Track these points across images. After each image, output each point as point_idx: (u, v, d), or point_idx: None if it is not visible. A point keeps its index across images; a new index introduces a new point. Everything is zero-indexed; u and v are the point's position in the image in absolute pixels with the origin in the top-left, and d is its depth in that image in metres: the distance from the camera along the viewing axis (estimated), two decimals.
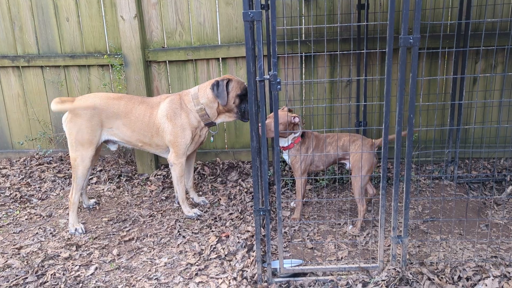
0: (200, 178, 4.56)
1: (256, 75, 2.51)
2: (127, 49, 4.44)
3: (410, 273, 2.68)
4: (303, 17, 4.32)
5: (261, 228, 2.95)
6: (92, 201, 4.13)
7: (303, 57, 4.40)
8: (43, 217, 3.95)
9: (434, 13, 4.11)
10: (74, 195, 3.64)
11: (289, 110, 3.45)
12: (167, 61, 4.59)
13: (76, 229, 3.62)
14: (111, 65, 4.71)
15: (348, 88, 4.42)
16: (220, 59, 4.55)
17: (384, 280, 2.66)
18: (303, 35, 4.34)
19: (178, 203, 3.93)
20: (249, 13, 2.34)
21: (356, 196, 3.34)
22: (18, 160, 5.12)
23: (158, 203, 4.11)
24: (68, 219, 3.73)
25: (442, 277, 2.64)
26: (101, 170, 4.83)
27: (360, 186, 3.30)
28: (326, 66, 4.39)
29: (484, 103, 4.25)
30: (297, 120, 3.35)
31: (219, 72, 4.58)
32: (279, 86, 2.44)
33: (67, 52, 4.87)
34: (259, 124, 2.99)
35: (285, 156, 3.58)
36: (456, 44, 3.85)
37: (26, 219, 3.92)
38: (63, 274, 3.04)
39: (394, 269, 2.71)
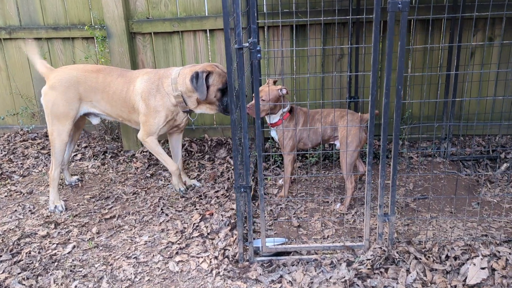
0: (187, 155, 4.43)
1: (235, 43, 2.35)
2: (110, 20, 4.25)
3: (397, 252, 2.58)
4: None
5: (245, 207, 2.84)
6: (75, 178, 4.01)
7: (294, 29, 4.22)
8: (24, 194, 3.84)
9: None
10: (53, 171, 3.52)
11: (274, 82, 3.30)
12: (152, 33, 4.41)
13: (56, 207, 3.51)
14: (94, 37, 4.52)
15: (341, 61, 4.25)
16: (208, 31, 4.36)
17: (369, 260, 2.56)
18: (294, 5, 4.14)
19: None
20: None
21: (344, 173, 3.22)
22: (2, 136, 4.98)
23: (142, 181, 3.99)
24: (48, 196, 3.61)
25: (429, 256, 2.54)
26: (86, 147, 4.70)
27: (347, 162, 3.18)
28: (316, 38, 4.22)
29: (480, 77, 4.08)
30: (284, 91, 3.18)
31: (206, 44, 4.40)
32: (259, 55, 2.28)
33: (50, 24, 4.68)
34: (247, 106, 2.89)
35: (273, 133, 3.44)
36: (450, 13, 3.67)
37: (5, 196, 3.81)
38: (39, 253, 2.94)
39: (380, 248, 2.60)
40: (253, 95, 3.06)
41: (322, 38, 4.20)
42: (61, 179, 3.93)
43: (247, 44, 2.28)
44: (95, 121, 3.72)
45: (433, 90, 4.24)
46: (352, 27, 3.84)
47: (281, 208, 3.36)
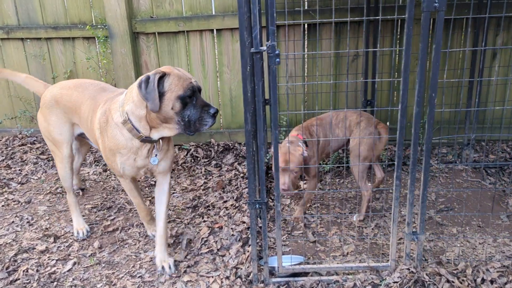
0: (193, 161, 4.21)
1: (251, 46, 2.13)
2: (112, 19, 4.03)
3: (426, 274, 2.36)
4: None
5: (257, 221, 2.63)
6: (75, 187, 3.70)
7: (305, 28, 3.99)
8: (21, 203, 3.62)
9: None
10: (68, 196, 3.18)
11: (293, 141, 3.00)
12: (156, 33, 4.18)
13: (78, 232, 3.12)
14: (96, 37, 4.30)
15: (355, 63, 4.03)
16: (215, 31, 4.14)
17: (396, 282, 2.34)
18: (306, 3, 3.91)
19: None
20: None
21: (358, 181, 3.02)
22: (0, 140, 4.77)
23: (146, 189, 3.78)
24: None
25: (463, 280, 2.32)
26: (86, 152, 4.48)
27: (360, 170, 2.97)
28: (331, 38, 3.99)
29: (506, 80, 3.85)
30: (305, 154, 2.94)
31: (213, 44, 4.18)
32: (277, 59, 2.06)
33: (49, 23, 4.46)
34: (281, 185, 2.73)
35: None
36: (475, 13, 3.44)
37: (2, 205, 3.59)
38: (37, 271, 2.72)
39: (408, 269, 2.39)
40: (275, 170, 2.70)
41: (335, 39, 3.97)
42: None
43: (265, 48, 2.05)
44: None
45: (454, 93, 4.01)
46: (369, 26, 3.61)
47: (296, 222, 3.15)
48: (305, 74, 4.16)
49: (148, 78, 2.29)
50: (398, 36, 3.82)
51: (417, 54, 2.06)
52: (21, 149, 4.57)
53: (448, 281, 2.32)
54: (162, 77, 2.31)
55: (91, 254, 2.91)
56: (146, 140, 2.45)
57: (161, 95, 2.31)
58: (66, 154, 3.01)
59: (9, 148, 4.61)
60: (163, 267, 2.65)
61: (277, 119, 2.23)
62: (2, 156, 4.45)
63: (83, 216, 3.37)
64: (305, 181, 3.34)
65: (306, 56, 4.10)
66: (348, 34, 3.90)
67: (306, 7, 3.92)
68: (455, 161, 3.82)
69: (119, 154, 2.51)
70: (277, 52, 2.04)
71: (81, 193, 3.74)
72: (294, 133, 3.10)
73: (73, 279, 2.66)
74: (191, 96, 2.36)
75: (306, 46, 4.06)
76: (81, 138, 3.13)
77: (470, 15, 3.58)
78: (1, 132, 4.84)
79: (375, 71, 3.61)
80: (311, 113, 3.99)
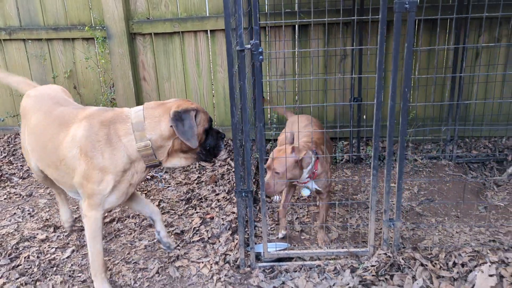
0: None
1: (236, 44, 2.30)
2: (110, 20, 4.20)
3: (402, 258, 2.52)
4: None
5: (246, 211, 2.78)
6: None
7: (296, 29, 4.16)
8: (23, 196, 3.79)
9: None
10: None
11: (292, 148, 2.68)
12: (152, 34, 4.35)
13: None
14: (95, 38, 4.47)
15: (343, 62, 4.19)
16: (209, 31, 4.31)
17: (374, 266, 2.50)
18: (296, 5, 4.08)
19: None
20: None
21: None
22: (2, 138, 4.94)
23: (142, 183, 3.94)
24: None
25: (436, 263, 2.48)
26: None
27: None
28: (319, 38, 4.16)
29: (487, 78, 4.01)
30: (302, 155, 2.65)
31: (207, 45, 4.34)
32: (261, 57, 2.22)
33: (50, 24, 4.63)
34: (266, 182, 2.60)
35: (305, 191, 2.92)
36: (457, 14, 3.60)
37: (4, 198, 3.76)
38: (38, 257, 2.89)
39: (385, 254, 2.54)
40: (265, 166, 2.71)
41: (324, 39, 4.14)
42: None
43: (249, 46, 2.22)
44: None
45: (438, 91, 4.17)
46: (356, 27, 3.78)
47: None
48: (296, 72, 4.33)
49: (182, 115, 2.31)
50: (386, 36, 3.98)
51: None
52: None
53: (422, 264, 2.47)
54: (196, 114, 2.37)
55: None
56: (152, 165, 2.42)
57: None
58: (36, 173, 2.92)
59: (11, 145, 4.78)
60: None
61: (262, 113, 2.39)
62: (4, 153, 4.62)
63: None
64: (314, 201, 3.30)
65: (297, 55, 4.26)
66: (342, 33, 4.07)
67: (297, 9, 4.08)
68: (439, 157, 3.98)
69: (112, 176, 2.34)
70: (260, 50, 2.21)
71: None
72: (304, 143, 2.86)
73: (72, 265, 2.82)
74: (211, 127, 2.49)
75: (297, 45, 4.22)
76: None
77: (454, 15, 3.74)
78: (3, 130, 5.00)
79: (360, 69, 3.76)
80: (301, 109, 4.15)
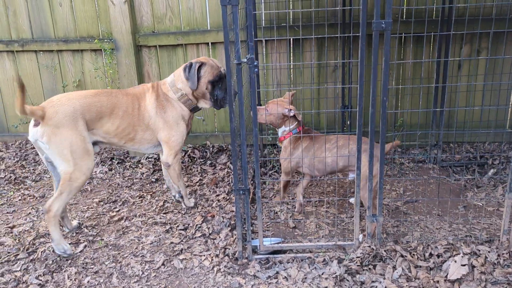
0: (190, 161, 4.66)
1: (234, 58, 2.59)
2: (118, 34, 4.51)
3: (384, 251, 2.79)
4: (290, 2, 4.37)
5: (243, 208, 3.06)
6: (75, 223, 3.51)
7: (291, 42, 4.46)
8: (36, 197, 4.07)
9: None
10: (57, 207, 3.06)
11: (291, 95, 3.36)
12: (157, 46, 4.66)
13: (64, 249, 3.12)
14: (103, 49, 4.77)
15: (335, 73, 4.49)
16: (210, 44, 4.61)
17: (358, 257, 2.77)
18: (291, 19, 4.39)
19: (181, 197, 3.70)
20: None
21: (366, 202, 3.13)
22: (14, 143, 5.23)
23: (148, 185, 4.22)
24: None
25: (414, 254, 2.75)
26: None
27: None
28: (313, 51, 4.46)
29: (467, 87, 4.31)
30: (292, 113, 3.21)
31: (208, 56, 4.64)
32: (256, 69, 2.51)
33: (60, 36, 4.93)
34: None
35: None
36: (440, 30, 3.91)
37: (19, 199, 4.04)
38: (53, 252, 3.16)
39: (369, 246, 2.81)
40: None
41: (317, 51, 4.44)
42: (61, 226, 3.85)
43: (246, 60, 2.51)
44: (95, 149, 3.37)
45: (424, 100, 4.47)
46: (344, 41, 4.08)
47: (279, 210, 3.58)
48: (291, 82, 4.62)
49: (191, 64, 3.24)
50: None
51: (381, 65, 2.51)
52: (33, 151, 5.02)
53: (402, 256, 2.75)
54: (200, 65, 3.25)
55: (100, 239, 3.34)
56: (193, 109, 3.43)
57: (199, 78, 3.27)
58: (92, 164, 3.12)
59: (23, 151, 5.07)
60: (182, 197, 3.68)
61: (257, 119, 2.68)
62: (17, 158, 4.90)
63: (91, 208, 3.81)
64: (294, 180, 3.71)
65: (292, 66, 4.56)
66: (333, 46, 4.36)
67: (291, 23, 4.39)
68: (425, 161, 4.26)
69: (181, 122, 3.37)
70: (255, 63, 2.50)
71: (89, 188, 4.17)
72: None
73: (85, 258, 3.09)
74: (218, 81, 3.30)
75: (292, 57, 4.52)
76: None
77: (438, 32, 4.04)
78: (15, 136, 5.29)
79: (351, 79, 4.06)
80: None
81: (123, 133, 3.28)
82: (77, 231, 3.44)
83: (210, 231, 3.31)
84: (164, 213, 3.66)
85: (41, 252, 3.15)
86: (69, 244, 3.26)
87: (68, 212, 3.71)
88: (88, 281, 2.84)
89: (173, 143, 3.37)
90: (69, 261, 3.06)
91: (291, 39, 4.44)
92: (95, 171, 4.55)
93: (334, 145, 3.17)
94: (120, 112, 3.23)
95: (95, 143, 3.25)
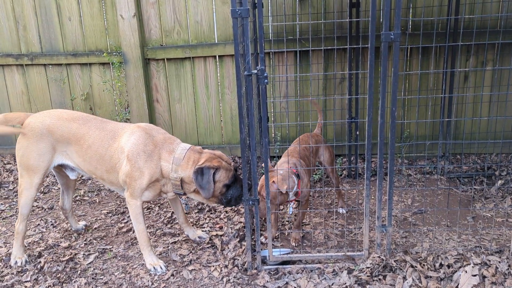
0: None
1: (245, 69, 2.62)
2: (127, 47, 4.57)
3: (394, 261, 2.78)
4: (297, 15, 4.43)
5: (252, 218, 3.07)
6: (82, 224, 3.69)
7: (298, 54, 4.51)
8: (45, 209, 4.09)
9: (426, 11, 4.20)
10: (18, 224, 3.15)
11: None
12: (165, 59, 4.72)
13: (16, 262, 3.16)
14: (111, 63, 4.83)
15: (341, 84, 4.52)
16: (217, 57, 4.67)
17: (368, 268, 2.76)
18: (298, 32, 4.44)
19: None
20: (237, 10, 2.46)
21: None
22: None
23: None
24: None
25: (424, 265, 2.74)
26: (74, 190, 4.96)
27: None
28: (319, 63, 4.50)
29: (474, 98, 4.33)
30: (284, 191, 2.92)
31: (216, 69, 4.70)
32: (266, 80, 2.55)
33: (69, 50, 5.00)
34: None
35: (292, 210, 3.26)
36: (447, 42, 3.95)
37: None
38: (62, 262, 3.16)
39: (379, 257, 2.81)
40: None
41: (324, 63, 4.48)
42: (67, 224, 3.77)
43: (255, 71, 2.54)
44: (72, 176, 3.33)
45: (431, 112, 4.48)
46: (351, 53, 4.12)
47: (287, 221, 3.58)
48: (298, 94, 4.66)
49: (202, 171, 2.82)
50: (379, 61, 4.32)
51: (390, 76, 2.54)
52: None
53: (412, 266, 2.74)
54: (215, 171, 2.86)
55: (109, 249, 3.34)
56: (178, 193, 3.02)
57: (214, 183, 2.88)
58: (37, 182, 3.13)
59: None
60: (154, 268, 3.03)
61: (267, 130, 2.70)
62: None
63: (100, 220, 3.83)
64: (295, 205, 3.49)
65: (298, 78, 4.60)
66: (341, 58, 4.41)
67: (298, 36, 4.44)
68: (432, 172, 4.27)
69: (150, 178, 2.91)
70: (265, 74, 2.53)
71: (97, 200, 4.19)
72: (285, 165, 3.10)
73: (94, 269, 3.10)
74: (234, 182, 2.97)
75: (298, 69, 4.56)
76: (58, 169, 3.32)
77: (446, 43, 4.08)
78: None
79: (357, 91, 4.09)
80: (303, 128, 4.46)
81: (89, 167, 3.08)
82: (85, 242, 3.45)
83: (219, 242, 3.31)
84: (172, 224, 3.66)
85: (51, 263, 3.16)
86: (78, 254, 3.27)
87: (76, 216, 3.82)
88: None
89: (133, 187, 2.95)
90: (79, 272, 3.06)
91: (298, 52, 4.48)
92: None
93: (304, 141, 3.49)
94: (85, 145, 3.03)
95: (67, 167, 3.22)
